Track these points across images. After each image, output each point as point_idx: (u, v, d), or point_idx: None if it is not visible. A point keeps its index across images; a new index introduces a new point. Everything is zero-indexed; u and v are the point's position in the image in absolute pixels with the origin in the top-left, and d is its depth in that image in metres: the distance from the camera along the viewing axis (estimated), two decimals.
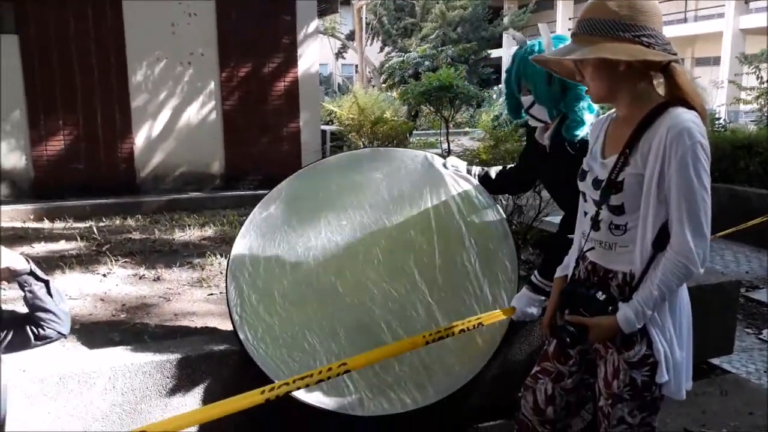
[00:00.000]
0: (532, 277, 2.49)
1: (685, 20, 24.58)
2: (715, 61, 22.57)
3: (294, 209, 2.80)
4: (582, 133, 2.29)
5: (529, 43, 2.40)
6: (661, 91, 1.73)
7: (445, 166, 2.88)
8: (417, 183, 2.87)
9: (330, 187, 2.85)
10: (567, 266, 2.03)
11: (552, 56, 1.85)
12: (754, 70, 11.56)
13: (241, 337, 2.53)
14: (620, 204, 1.73)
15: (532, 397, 2.06)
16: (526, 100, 2.41)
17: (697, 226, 1.62)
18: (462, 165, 2.89)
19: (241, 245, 2.76)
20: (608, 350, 1.83)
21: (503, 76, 2.59)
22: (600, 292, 1.78)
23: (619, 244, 1.78)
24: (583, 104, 2.29)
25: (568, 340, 1.83)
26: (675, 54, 1.66)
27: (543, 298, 2.43)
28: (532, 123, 2.50)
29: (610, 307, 1.76)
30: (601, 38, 1.64)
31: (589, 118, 2.29)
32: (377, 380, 2.54)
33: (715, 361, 3.69)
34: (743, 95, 12.02)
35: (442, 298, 2.69)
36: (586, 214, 1.88)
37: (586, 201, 1.88)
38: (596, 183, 1.80)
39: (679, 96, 1.66)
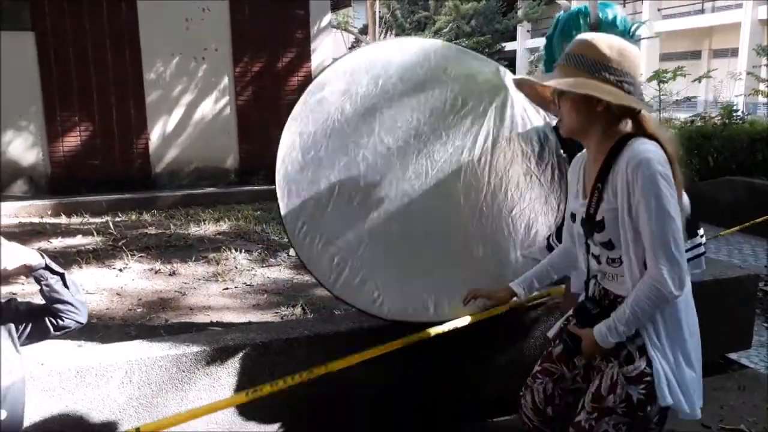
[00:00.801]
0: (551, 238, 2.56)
1: (702, 11, 24.27)
2: (733, 52, 22.28)
3: (350, 95, 2.59)
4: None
5: (573, 7, 2.43)
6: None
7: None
8: (483, 96, 2.72)
9: (391, 78, 2.64)
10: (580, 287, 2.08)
11: (542, 81, 1.84)
12: None
13: (288, 227, 2.54)
14: (608, 240, 1.79)
15: (530, 397, 2.06)
16: None
17: (667, 251, 1.64)
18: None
19: (293, 128, 2.55)
20: (609, 364, 1.83)
21: (543, 42, 2.59)
22: (592, 306, 1.85)
23: (619, 274, 1.83)
24: None
25: (563, 347, 1.95)
26: (650, 105, 1.71)
27: None
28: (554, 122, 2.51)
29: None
30: (587, 76, 1.71)
31: None
32: (405, 290, 2.60)
33: (733, 356, 3.65)
34: (761, 87, 11.85)
35: (481, 225, 2.69)
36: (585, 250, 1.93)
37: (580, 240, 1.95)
38: (583, 223, 1.86)
39: (642, 131, 1.73)
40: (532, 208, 2.76)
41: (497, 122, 2.71)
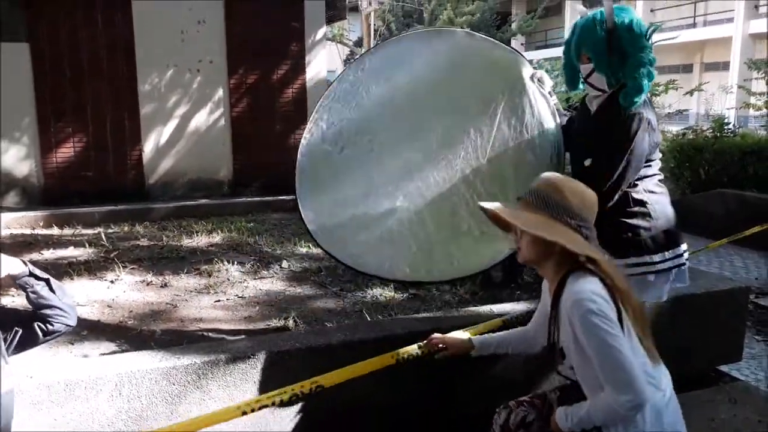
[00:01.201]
0: None
1: (694, 25, 24.49)
2: (725, 66, 22.48)
3: (378, 76, 2.95)
4: (640, 100, 2.41)
5: (590, 13, 2.48)
6: None
7: (532, 78, 2.89)
8: (497, 83, 2.91)
9: (417, 63, 2.95)
10: None
11: (507, 217, 1.92)
12: (763, 75, 11.51)
13: (298, 187, 2.89)
14: (570, 365, 1.91)
15: (506, 416, 2.09)
16: (586, 68, 2.51)
17: (616, 380, 1.73)
18: (549, 83, 2.91)
19: (325, 103, 2.97)
20: None
21: (562, 48, 2.69)
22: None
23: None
24: (643, 71, 2.39)
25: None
26: (605, 252, 1.85)
27: None
28: (590, 92, 2.57)
29: None
30: (548, 215, 1.83)
31: (647, 85, 2.42)
32: (392, 250, 2.87)
33: (724, 368, 3.66)
34: (752, 100, 11.96)
35: (474, 208, 2.83)
36: None
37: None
38: (547, 349, 2.00)
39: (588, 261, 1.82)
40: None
41: (507, 110, 2.89)
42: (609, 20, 2.37)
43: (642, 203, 2.50)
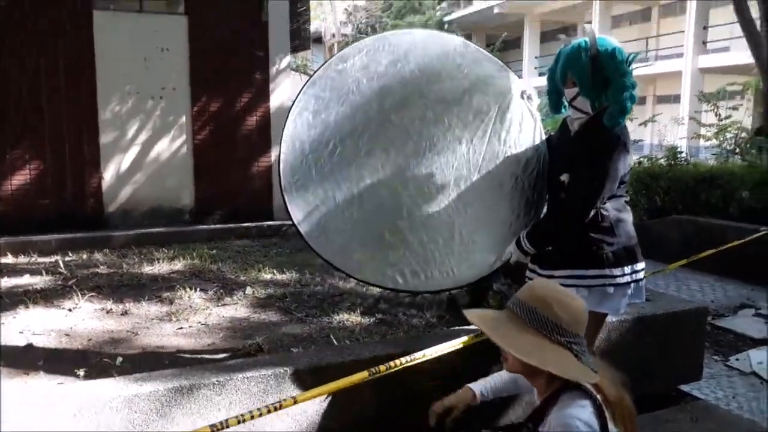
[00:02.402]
0: (521, 234, 2.74)
1: (647, 60, 25.38)
2: (675, 98, 23.28)
3: (369, 72, 2.87)
4: (623, 120, 2.56)
5: (573, 42, 2.63)
6: None
7: (522, 95, 2.99)
8: (489, 97, 2.95)
9: (409, 63, 2.91)
10: None
11: (491, 333, 1.81)
12: (712, 107, 11.96)
13: (283, 182, 2.72)
14: None
15: None
16: (571, 92, 2.63)
17: None
18: (536, 101, 3.03)
19: (310, 90, 2.82)
20: None
21: (547, 74, 2.82)
22: None
23: None
24: (626, 94, 2.53)
25: None
26: (596, 372, 1.76)
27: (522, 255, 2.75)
28: (574, 115, 2.69)
29: None
30: (536, 332, 1.74)
31: (629, 107, 2.55)
32: (381, 257, 2.76)
33: (685, 387, 3.73)
34: (703, 131, 12.40)
35: (465, 213, 2.87)
36: None
37: None
38: None
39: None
40: (513, 207, 2.91)
41: (497, 123, 2.94)
42: (593, 47, 2.52)
43: (609, 221, 2.64)
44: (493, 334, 1.79)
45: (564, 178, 2.65)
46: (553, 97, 2.79)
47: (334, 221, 2.74)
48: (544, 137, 3.01)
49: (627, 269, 2.63)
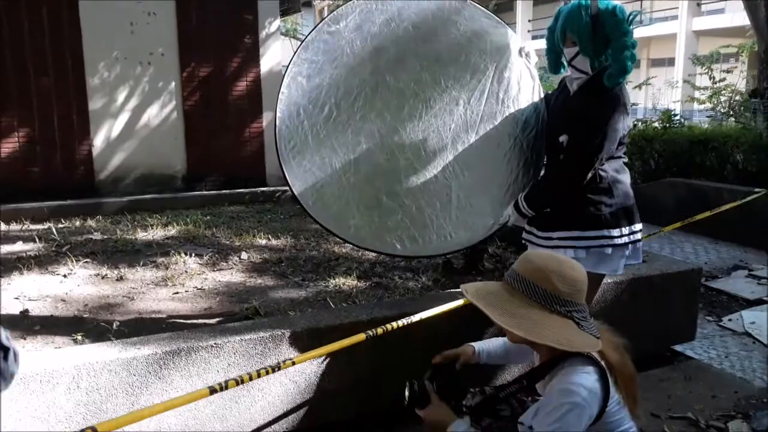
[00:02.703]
0: (519, 197, 2.73)
1: (640, 22, 25.15)
2: (670, 61, 23.17)
3: (362, 32, 2.81)
4: (623, 80, 2.53)
5: (574, 0, 2.57)
6: None
7: (520, 52, 2.94)
8: (486, 55, 2.90)
9: (403, 22, 2.85)
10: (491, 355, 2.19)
11: (491, 314, 1.79)
12: (706, 70, 11.90)
13: (279, 145, 2.69)
14: None
15: (479, 400, 2.05)
16: (570, 51, 2.60)
17: None
18: (534, 59, 2.97)
19: (303, 55, 2.75)
20: None
21: (546, 34, 2.77)
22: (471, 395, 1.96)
23: None
24: (627, 53, 2.50)
25: (407, 393, 1.99)
26: (598, 338, 1.74)
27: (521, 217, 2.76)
28: (573, 74, 2.66)
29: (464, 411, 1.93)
30: (536, 304, 1.71)
31: (630, 66, 2.51)
32: (379, 222, 2.74)
33: (679, 347, 3.77)
34: (697, 94, 12.36)
35: (462, 175, 2.85)
36: None
37: None
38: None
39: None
40: (511, 168, 2.89)
41: (495, 82, 2.88)
42: (594, 6, 2.48)
43: (607, 181, 2.63)
44: (492, 312, 1.77)
45: (563, 138, 2.63)
46: (552, 57, 2.75)
47: (330, 187, 2.72)
48: (542, 96, 2.97)
49: (625, 230, 2.63)
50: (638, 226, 2.70)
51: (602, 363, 1.75)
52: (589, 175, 2.57)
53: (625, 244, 2.64)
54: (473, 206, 2.85)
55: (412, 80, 2.83)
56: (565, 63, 2.69)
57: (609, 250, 2.62)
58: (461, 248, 3.05)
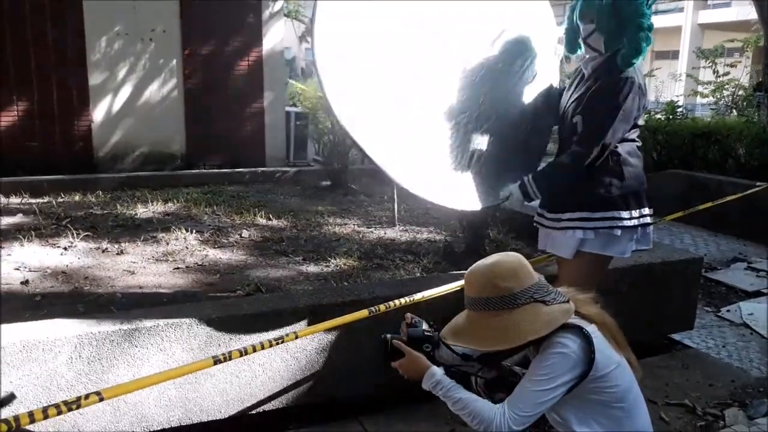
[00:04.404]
0: (527, 178, 2.70)
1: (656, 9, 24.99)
2: (674, 54, 23.11)
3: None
4: (637, 62, 2.52)
5: None
6: None
7: (559, 40, 2.94)
8: (532, 36, 2.90)
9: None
10: None
11: (472, 344, 1.87)
12: (710, 64, 11.87)
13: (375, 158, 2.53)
14: None
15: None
16: (587, 28, 2.60)
17: (516, 403, 1.74)
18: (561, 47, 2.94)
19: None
20: None
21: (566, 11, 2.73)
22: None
23: None
24: (642, 35, 2.50)
25: (384, 347, 2.00)
26: (567, 302, 1.81)
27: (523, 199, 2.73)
28: (588, 53, 2.67)
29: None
30: (500, 312, 1.77)
31: (644, 48, 2.52)
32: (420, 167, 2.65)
33: (677, 336, 3.79)
34: (700, 88, 12.35)
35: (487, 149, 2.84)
36: None
37: None
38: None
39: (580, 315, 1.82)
40: (522, 149, 2.92)
41: (530, 62, 2.90)
42: None
43: (619, 163, 2.62)
44: (470, 344, 1.86)
45: (576, 119, 2.62)
46: (570, 36, 2.76)
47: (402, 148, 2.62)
48: (560, 83, 2.99)
49: (635, 212, 2.62)
50: (648, 210, 2.69)
51: (585, 329, 1.77)
52: (604, 154, 2.56)
53: (635, 227, 2.64)
54: (485, 177, 2.84)
55: (462, 48, 2.79)
56: (581, 41, 2.67)
57: (618, 232, 2.61)
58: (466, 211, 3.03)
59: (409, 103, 2.65)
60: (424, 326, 2.07)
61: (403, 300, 2.58)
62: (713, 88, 11.54)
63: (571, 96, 2.74)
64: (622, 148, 2.63)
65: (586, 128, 2.58)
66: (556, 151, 2.86)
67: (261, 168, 7.71)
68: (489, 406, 1.77)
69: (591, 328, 1.79)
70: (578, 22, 2.65)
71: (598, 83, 2.58)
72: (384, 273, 3.73)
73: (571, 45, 2.77)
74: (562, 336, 1.76)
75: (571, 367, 1.72)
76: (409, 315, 2.14)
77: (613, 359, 1.78)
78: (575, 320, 1.80)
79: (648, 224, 2.69)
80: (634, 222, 2.62)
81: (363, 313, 2.34)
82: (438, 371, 1.88)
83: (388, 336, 2.02)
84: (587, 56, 2.68)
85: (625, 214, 2.60)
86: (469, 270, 1.89)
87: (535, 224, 2.88)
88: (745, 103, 9.64)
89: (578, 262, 2.66)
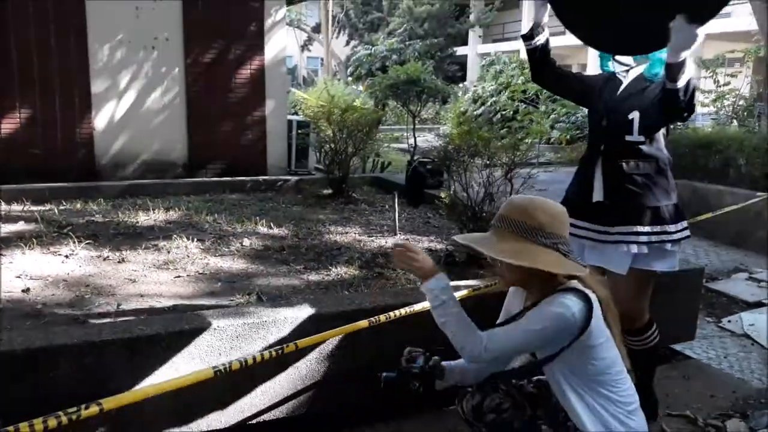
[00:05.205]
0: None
1: None
2: None
3: None
4: (661, 72, 2.45)
5: None
6: None
7: None
8: None
9: None
10: None
11: (481, 249, 1.89)
12: (711, 74, 11.90)
13: None
14: None
15: (479, 398, 2.06)
16: None
17: (494, 343, 1.82)
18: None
19: None
20: None
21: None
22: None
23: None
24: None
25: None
26: (584, 267, 1.89)
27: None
28: (617, 68, 2.68)
29: None
30: (523, 239, 1.83)
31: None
32: None
33: (677, 347, 3.78)
34: (701, 98, 12.37)
35: None
36: None
37: None
38: None
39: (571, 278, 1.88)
40: None
41: None
42: None
43: (666, 177, 2.62)
44: (486, 250, 1.87)
45: (633, 116, 2.55)
46: (602, 54, 2.76)
47: None
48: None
49: (680, 225, 2.59)
50: (685, 222, 2.66)
51: (591, 295, 1.83)
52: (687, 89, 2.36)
53: (681, 239, 2.60)
54: None
55: None
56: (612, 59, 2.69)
57: (668, 246, 2.56)
58: None
59: None
60: (421, 361, 2.09)
61: (403, 310, 2.59)
62: (714, 97, 11.56)
63: (621, 95, 2.66)
64: (666, 156, 2.63)
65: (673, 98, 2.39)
66: (589, 138, 2.82)
67: (262, 176, 7.71)
68: (474, 330, 1.85)
69: (594, 297, 1.85)
70: None
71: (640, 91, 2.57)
72: (385, 282, 3.73)
73: (602, 60, 2.77)
74: (565, 296, 1.80)
75: (564, 326, 1.77)
76: (407, 350, 2.17)
77: (604, 332, 1.86)
78: (575, 291, 1.84)
79: (688, 237, 2.65)
80: (681, 234, 2.59)
81: (363, 323, 2.35)
82: (443, 281, 1.95)
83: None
84: (616, 69, 2.69)
85: (672, 227, 2.56)
86: (518, 195, 1.98)
87: (582, 239, 2.70)
88: (745, 113, 9.66)
89: (630, 278, 2.59)
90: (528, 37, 2.76)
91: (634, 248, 2.54)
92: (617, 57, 2.64)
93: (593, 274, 1.94)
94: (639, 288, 2.64)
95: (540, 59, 2.80)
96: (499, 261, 1.89)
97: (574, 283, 1.86)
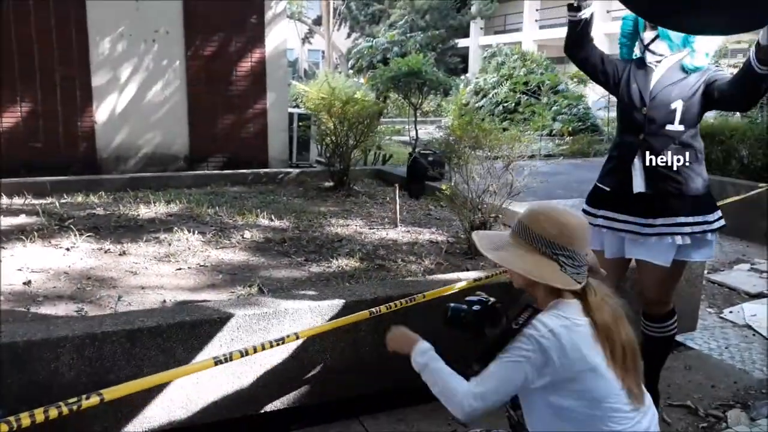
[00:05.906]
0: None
1: None
2: None
3: None
4: (702, 66, 2.53)
5: None
6: None
7: None
8: None
9: None
10: None
11: (486, 250, 1.89)
12: (715, 65, 11.83)
13: None
14: None
15: None
16: (649, 35, 2.60)
17: (482, 386, 1.73)
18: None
19: None
20: None
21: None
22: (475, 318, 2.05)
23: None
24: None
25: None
26: (580, 283, 1.79)
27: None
28: (649, 58, 2.64)
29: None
30: (526, 245, 1.83)
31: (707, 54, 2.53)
32: None
33: (679, 337, 3.77)
34: None
35: None
36: None
37: None
38: None
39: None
40: None
41: None
42: None
43: (703, 166, 2.62)
44: (480, 246, 1.90)
45: (676, 105, 2.54)
46: (628, 42, 2.75)
47: None
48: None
49: (717, 214, 2.59)
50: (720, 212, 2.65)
51: (568, 318, 1.75)
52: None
53: (717, 229, 2.59)
54: None
55: None
56: (640, 47, 2.67)
57: (710, 236, 2.57)
58: None
59: None
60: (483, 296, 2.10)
61: (404, 301, 2.58)
62: None
63: (661, 86, 2.63)
64: (702, 145, 2.61)
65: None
66: (622, 128, 2.77)
67: (263, 169, 7.71)
68: (460, 380, 1.78)
69: (580, 321, 1.74)
70: (640, 29, 2.65)
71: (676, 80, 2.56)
72: (386, 274, 3.73)
73: (629, 51, 2.76)
74: (553, 312, 1.76)
75: (537, 349, 1.69)
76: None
77: (588, 362, 1.70)
78: (566, 309, 1.76)
79: (723, 227, 2.64)
80: (719, 224, 2.59)
81: (364, 314, 2.35)
82: (425, 345, 1.92)
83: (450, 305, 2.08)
84: (648, 58, 2.65)
85: (711, 216, 2.57)
86: (544, 201, 1.99)
87: (624, 233, 2.68)
88: None
89: (670, 269, 2.59)
90: (575, 9, 2.68)
91: (679, 239, 2.53)
92: (651, 46, 2.61)
93: (602, 290, 1.83)
94: (673, 277, 2.67)
95: (580, 32, 2.74)
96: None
97: (573, 303, 1.78)
